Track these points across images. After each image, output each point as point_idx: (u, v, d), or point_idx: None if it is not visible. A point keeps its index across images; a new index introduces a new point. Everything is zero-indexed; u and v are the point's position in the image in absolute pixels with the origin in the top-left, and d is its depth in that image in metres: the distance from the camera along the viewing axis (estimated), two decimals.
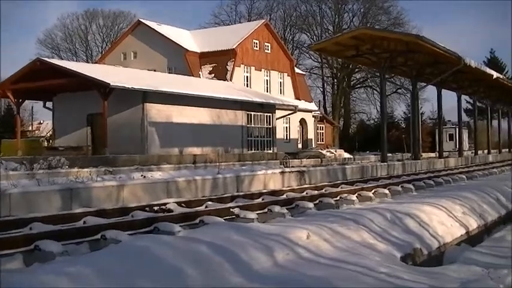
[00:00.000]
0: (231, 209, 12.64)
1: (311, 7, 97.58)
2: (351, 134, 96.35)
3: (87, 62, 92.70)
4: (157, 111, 40.39)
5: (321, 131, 75.71)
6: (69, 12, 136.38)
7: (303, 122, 66.02)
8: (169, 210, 12.85)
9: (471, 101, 66.43)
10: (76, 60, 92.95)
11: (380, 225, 12.25)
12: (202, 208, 13.25)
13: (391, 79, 58.15)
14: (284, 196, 16.09)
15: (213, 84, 51.96)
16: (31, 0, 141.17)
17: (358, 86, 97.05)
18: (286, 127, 61.62)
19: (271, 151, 50.18)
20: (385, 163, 29.25)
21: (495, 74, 43.45)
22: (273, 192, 16.80)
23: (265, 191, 17.42)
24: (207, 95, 43.59)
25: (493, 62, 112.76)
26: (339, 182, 20.95)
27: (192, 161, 36.89)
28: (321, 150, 59.68)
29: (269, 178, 19.11)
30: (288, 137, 62.12)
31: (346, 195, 16.21)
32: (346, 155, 61.16)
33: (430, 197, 17.02)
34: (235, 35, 60.33)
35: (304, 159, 47.73)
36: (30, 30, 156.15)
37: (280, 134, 58.92)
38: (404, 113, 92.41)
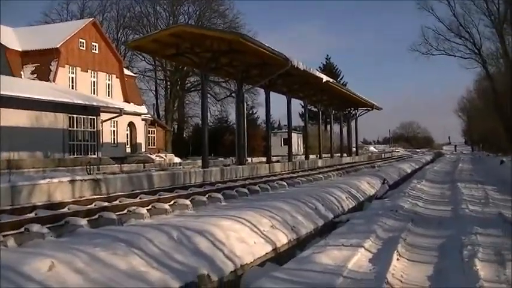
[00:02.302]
0: None
1: (146, 8, 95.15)
2: (186, 138, 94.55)
3: None
4: None
5: (153, 135, 73.33)
6: None
7: (131, 125, 63.38)
8: None
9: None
10: None
11: (161, 246, 10.10)
12: None
13: (221, 82, 56.55)
14: (65, 209, 13.71)
15: (32, 84, 48.53)
16: None
17: (193, 89, 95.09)
18: (114, 131, 58.85)
19: (95, 156, 47.35)
20: (201, 169, 27.22)
21: (325, 78, 42.72)
22: (51, 206, 14.29)
23: (40, 203, 14.85)
24: (22, 96, 40.19)
25: (329, 68, 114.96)
26: (138, 191, 18.57)
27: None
28: (149, 155, 57.66)
29: (55, 188, 16.60)
30: (116, 141, 59.29)
31: (134, 208, 13.94)
32: (177, 160, 59.56)
33: (237, 209, 15.10)
34: (61, 33, 56.70)
35: (127, 165, 45.59)
36: None
37: (107, 138, 56.50)
38: None
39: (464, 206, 19.94)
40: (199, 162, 51.31)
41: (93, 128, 48.28)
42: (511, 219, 16.50)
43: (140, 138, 65.68)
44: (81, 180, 17.62)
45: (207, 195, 17.74)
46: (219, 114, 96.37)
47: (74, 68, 56.35)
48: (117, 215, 13.08)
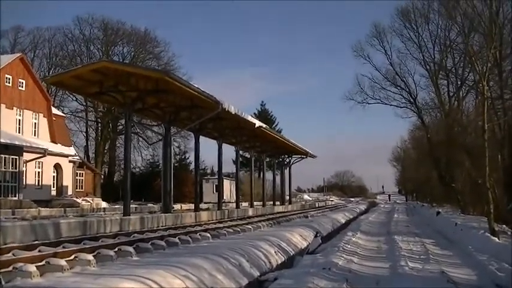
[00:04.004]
0: None
1: (79, 47, 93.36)
2: (116, 182, 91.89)
3: None
4: None
5: (81, 178, 70.67)
6: None
7: (58, 167, 60.73)
8: None
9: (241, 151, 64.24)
10: None
11: None
12: None
13: (154, 125, 54.49)
14: None
15: None
16: None
17: (124, 133, 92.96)
18: (39, 172, 56.20)
19: (16, 198, 44.81)
20: (118, 217, 25.08)
21: (257, 123, 41.30)
22: None
23: None
24: None
25: (263, 115, 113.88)
26: (38, 243, 16.37)
27: None
28: (75, 199, 55.34)
29: None
30: (40, 183, 56.55)
31: (21, 265, 11.81)
32: (104, 205, 57.35)
33: (147, 266, 13.18)
34: None
35: (49, 209, 43.38)
36: None
37: (31, 179, 53.94)
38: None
39: (403, 262, 18.28)
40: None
41: (15, 168, 45.81)
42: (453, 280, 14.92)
43: (67, 180, 62.95)
44: None
45: (116, 249, 15.68)
46: (151, 159, 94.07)
47: None
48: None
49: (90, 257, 13.78)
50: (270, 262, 18.51)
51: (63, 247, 15.68)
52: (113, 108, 77.21)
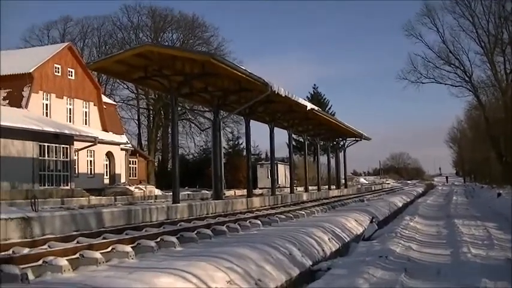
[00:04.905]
0: None
1: (128, 34, 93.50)
2: (170, 169, 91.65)
3: None
4: None
5: (134, 165, 70.53)
6: None
7: (110, 155, 60.50)
8: None
9: (294, 136, 63.08)
10: None
11: None
12: None
13: (206, 111, 53.65)
14: None
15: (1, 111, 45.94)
16: None
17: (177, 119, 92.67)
18: (90, 161, 56.03)
19: (68, 187, 44.47)
20: (164, 205, 24.19)
21: (309, 105, 40.11)
22: None
23: None
24: None
25: (316, 98, 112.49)
26: (77, 234, 15.52)
27: None
28: (128, 187, 54.90)
29: None
30: (93, 172, 56.36)
31: (52, 258, 10.96)
32: (158, 192, 56.87)
33: (189, 257, 12.23)
34: (35, 58, 54.11)
35: (102, 197, 42.98)
36: None
37: (83, 168, 54.03)
38: (225, 148, 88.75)
39: (465, 249, 16.95)
40: (182, 192, 48.87)
41: (66, 157, 45.42)
42: None
43: (120, 168, 62.75)
44: (5, 219, 14.66)
45: (159, 239, 14.78)
46: (204, 145, 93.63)
47: (49, 95, 53.64)
48: (23, 268, 10.15)
49: (128, 248, 12.88)
50: (323, 250, 17.43)
51: (104, 238, 14.87)
52: (162, 95, 77.06)
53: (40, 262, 10.82)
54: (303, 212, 28.24)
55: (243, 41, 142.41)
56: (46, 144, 43.41)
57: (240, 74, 27.90)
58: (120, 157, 62.83)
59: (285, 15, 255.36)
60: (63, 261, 10.84)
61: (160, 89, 33.01)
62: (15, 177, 39.70)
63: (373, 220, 24.48)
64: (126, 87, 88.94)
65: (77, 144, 47.61)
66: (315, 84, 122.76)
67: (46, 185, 42.99)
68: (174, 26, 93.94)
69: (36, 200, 20.00)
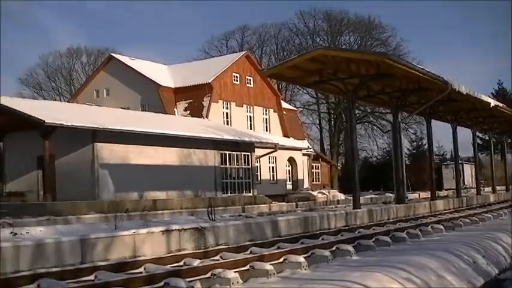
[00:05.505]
0: None
1: (305, 40, 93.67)
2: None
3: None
4: (110, 152, 35.68)
5: (317, 170, 70.52)
6: (50, 50, 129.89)
7: (292, 161, 60.72)
8: None
9: (479, 134, 60.68)
10: (60, 100, 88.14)
11: None
12: None
13: (387, 113, 52.64)
14: (140, 269, 10.82)
15: (183, 121, 47.37)
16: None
17: (358, 122, 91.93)
18: (273, 167, 56.41)
19: (250, 194, 44.94)
20: (343, 211, 23.58)
21: (492, 102, 38.28)
22: (119, 265, 11.45)
23: (104, 263, 11.97)
24: (170, 133, 38.60)
25: (501, 94, 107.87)
26: (249, 244, 15.25)
27: (134, 208, 31.58)
28: (311, 192, 54.69)
29: (142, 241, 13.73)
30: (275, 178, 56.74)
31: (220, 270, 10.69)
32: (341, 196, 56.28)
33: (364, 267, 11.67)
34: (213, 68, 55.54)
35: (284, 203, 43.02)
36: (11, 70, 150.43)
37: (265, 174, 54.50)
38: (408, 149, 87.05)
39: None
40: (366, 196, 48.35)
41: (248, 164, 45.93)
42: None
43: (302, 174, 62.86)
44: (179, 230, 14.65)
45: (334, 247, 14.29)
46: (387, 147, 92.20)
47: (228, 103, 54.75)
48: (190, 281, 9.98)
49: (301, 258, 12.45)
50: (511, 257, 16.32)
51: (278, 247, 14.55)
52: (342, 99, 76.67)
53: (208, 275, 10.62)
54: (489, 215, 26.95)
55: (420, 41, 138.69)
56: (227, 152, 44.06)
57: (417, 73, 27.00)
58: (302, 162, 62.94)
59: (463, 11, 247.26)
60: (231, 274, 10.57)
61: (337, 93, 32.65)
62: (198, 185, 40.39)
63: None
64: (306, 92, 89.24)
65: (258, 151, 48.02)
66: (499, 80, 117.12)
67: (228, 192, 43.65)
68: (350, 29, 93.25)
69: (213, 208, 20.00)
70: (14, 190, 37.93)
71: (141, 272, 11.15)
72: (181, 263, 12.28)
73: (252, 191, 45.75)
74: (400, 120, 34.04)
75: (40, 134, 32.85)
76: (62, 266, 11.57)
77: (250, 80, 57.55)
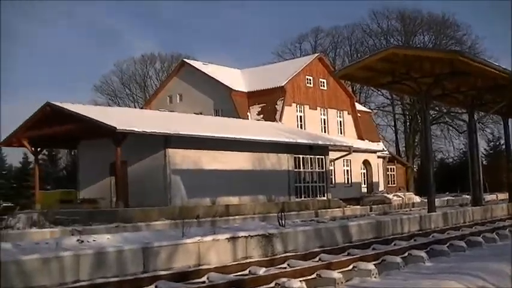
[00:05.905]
0: None
1: (379, 40, 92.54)
2: None
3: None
4: (182, 157, 35.67)
5: (392, 173, 69.50)
6: (125, 57, 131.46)
7: (367, 163, 60.00)
8: None
9: None
10: (134, 106, 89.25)
11: None
12: None
13: (463, 113, 51.50)
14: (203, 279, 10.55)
15: (255, 125, 47.23)
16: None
17: (434, 122, 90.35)
18: (347, 170, 55.86)
19: (324, 198, 44.43)
20: (417, 215, 22.89)
21: None
22: (187, 273, 11.25)
23: (166, 272, 11.70)
24: (243, 138, 38.46)
25: None
26: (319, 250, 14.88)
27: (207, 214, 31.54)
28: (386, 195, 53.87)
29: (207, 248, 13.45)
30: (350, 181, 56.18)
31: (285, 280, 10.30)
32: (417, 199, 55.22)
33: (435, 275, 11.22)
34: (285, 72, 55.22)
35: (359, 207, 42.42)
36: (86, 78, 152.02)
37: (340, 177, 53.94)
38: (485, 149, 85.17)
39: None
40: (442, 198, 47.29)
41: (321, 168, 45.42)
42: None
43: (377, 176, 62.08)
44: (245, 237, 14.33)
45: (406, 253, 13.78)
46: (464, 147, 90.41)
47: (302, 106, 54.46)
48: None
49: (371, 266, 12.03)
50: None
51: (348, 254, 14.11)
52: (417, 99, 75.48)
53: (272, 284, 10.27)
54: None
55: (496, 38, 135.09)
56: (301, 155, 43.71)
57: (493, 70, 26.29)
58: (377, 165, 62.19)
59: None
60: (296, 283, 10.23)
61: (410, 93, 32.09)
62: (271, 190, 40.24)
63: None
64: (380, 93, 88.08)
65: (332, 154, 47.51)
66: None
67: (302, 196, 43.24)
68: (424, 28, 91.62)
69: (283, 214, 19.62)
70: (87, 197, 38.70)
71: (203, 282, 10.88)
72: (246, 272, 11.98)
73: (326, 195, 45.24)
74: (476, 119, 33.23)
75: (112, 141, 33.19)
76: (123, 276, 11.38)
77: (323, 82, 57.06)
